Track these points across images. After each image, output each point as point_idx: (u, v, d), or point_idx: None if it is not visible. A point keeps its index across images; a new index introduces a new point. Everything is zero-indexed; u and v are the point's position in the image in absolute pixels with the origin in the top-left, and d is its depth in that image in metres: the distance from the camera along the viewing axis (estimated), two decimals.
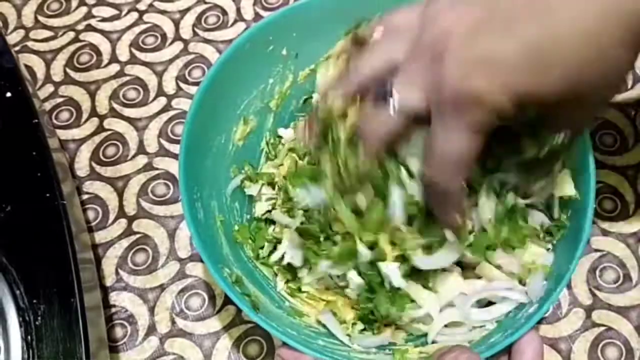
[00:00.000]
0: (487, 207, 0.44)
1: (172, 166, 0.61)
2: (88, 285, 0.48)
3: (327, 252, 0.45)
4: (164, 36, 0.69)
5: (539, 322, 0.42)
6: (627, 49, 0.33)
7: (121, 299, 0.55)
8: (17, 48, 0.69)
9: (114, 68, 0.67)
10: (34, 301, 0.45)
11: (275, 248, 0.52)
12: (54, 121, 0.64)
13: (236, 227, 0.52)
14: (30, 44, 0.69)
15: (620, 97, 0.62)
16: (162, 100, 0.65)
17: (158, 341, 0.53)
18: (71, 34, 0.70)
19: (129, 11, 0.71)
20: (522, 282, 0.46)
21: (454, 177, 0.38)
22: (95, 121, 0.64)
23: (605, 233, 0.55)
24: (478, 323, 0.46)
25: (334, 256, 0.45)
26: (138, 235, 0.58)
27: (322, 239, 0.46)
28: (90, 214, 0.59)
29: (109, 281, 0.56)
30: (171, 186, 0.60)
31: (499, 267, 0.46)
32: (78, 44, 0.69)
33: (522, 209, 0.46)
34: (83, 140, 0.63)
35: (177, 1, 0.71)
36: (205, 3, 0.71)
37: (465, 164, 0.37)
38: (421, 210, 0.43)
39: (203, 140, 0.50)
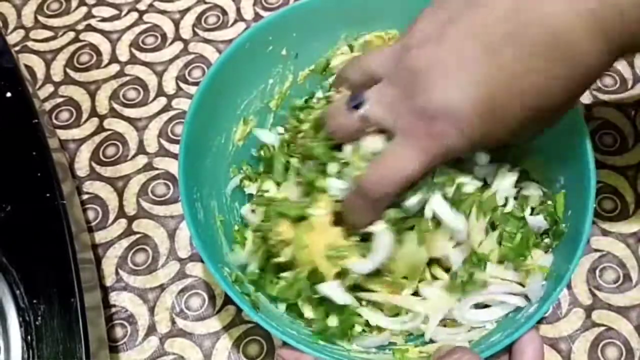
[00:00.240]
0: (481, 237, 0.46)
1: (172, 166, 0.61)
2: (88, 285, 0.48)
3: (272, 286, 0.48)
4: (164, 36, 0.69)
5: (539, 322, 0.42)
6: (568, 82, 0.37)
7: (121, 299, 0.55)
8: (17, 48, 0.69)
9: (114, 68, 0.67)
10: (34, 301, 0.45)
11: None
12: (54, 121, 0.64)
13: (236, 227, 0.52)
14: (30, 44, 0.69)
15: (620, 97, 0.62)
16: (162, 100, 0.65)
17: (158, 341, 0.53)
18: (71, 34, 0.70)
19: (129, 11, 0.71)
20: (520, 283, 0.46)
21: (389, 190, 0.41)
22: (95, 121, 0.64)
23: (605, 233, 0.55)
24: (477, 324, 0.46)
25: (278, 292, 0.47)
26: (138, 235, 0.58)
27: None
28: (90, 214, 0.59)
29: (109, 281, 0.56)
30: (171, 186, 0.60)
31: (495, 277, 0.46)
32: (78, 44, 0.69)
33: (521, 217, 0.47)
34: (83, 140, 0.63)
35: (177, 1, 0.71)
36: (205, 3, 0.71)
37: (403, 182, 0.40)
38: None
39: (203, 140, 0.50)
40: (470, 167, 0.46)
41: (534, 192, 0.49)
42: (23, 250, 0.47)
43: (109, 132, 0.63)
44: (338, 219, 0.45)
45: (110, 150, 0.62)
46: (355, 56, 0.49)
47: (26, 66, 0.67)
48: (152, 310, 0.54)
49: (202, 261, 0.45)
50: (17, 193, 0.50)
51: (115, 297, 0.55)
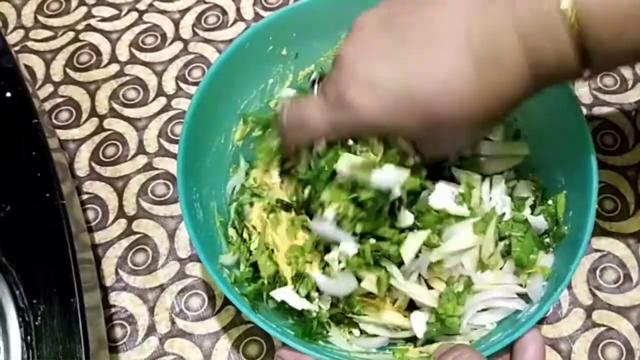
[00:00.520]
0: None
1: (172, 166, 0.61)
2: (88, 285, 0.48)
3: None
4: (163, 36, 0.69)
5: (539, 322, 0.42)
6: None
7: (121, 299, 0.55)
8: (16, 48, 0.69)
9: (114, 68, 0.67)
10: (34, 301, 0.45)
11: None
12: (54, 121, 0.64)
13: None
14: (30, 43, 0.69)
15: (620, 96, 0.62)
16: (162, 100, 0.65)
17: (158, 341, 0.53)
18: (71, 34, 0.70)
19: (128, 11, 0.71)
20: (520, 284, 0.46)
21: (297, 134, 0.45)
22: (95, 121, 0.64)
23: (605, 233, 0.55)
24: (477, 326, 0.46)
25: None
26: (138, 236, 0.58)
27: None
28: (90, 214, 0.59)
29: (108, 281, 0.56)
30: (171, 186, 0.60)
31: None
32: (78, 44, 0.69)
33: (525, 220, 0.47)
34: (83, 140, 0.63)
35: (177, 1, 0.71)
36: (205, 3, 0.71)
37: (309, 134, 0.44)
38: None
39: (202, 140, 0.50)
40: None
41: (526, 190, 0.50)
42: (23, 250, 0.47)
43: (108, 132, 0.63)
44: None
45: (110, 150, 0.62)
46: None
47: (26, 66, 0.67)
48: (151, 310, 0.54)
49: (201, 261, 0.45)
50: (17, 193, 0.50)
51: (115, 297, 0.55)
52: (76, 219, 0.52)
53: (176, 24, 0.70)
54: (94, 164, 0.62)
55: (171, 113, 0.64)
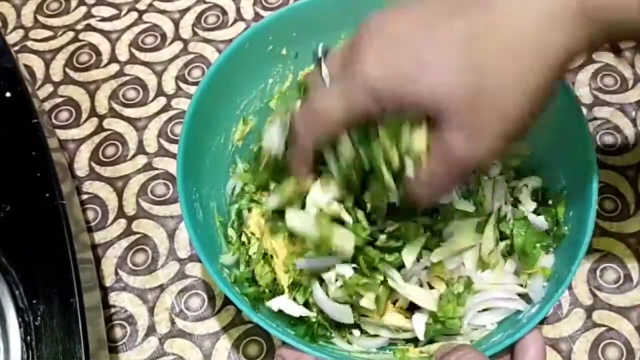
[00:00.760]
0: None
1: (172, 166, 0.61)
2: (88, 285, 0.48)
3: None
4: (163, 36, 0.69)
5: (540, 322, 0.42)
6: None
7: (121, 299, 0.55)
8: (16, 48, 0.69)
9: (114, 68, 0.67)
10: (34, 301, 0.45)
11: None
12: (54, 121, 0.64)
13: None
14: (29, 43, 0.69)
15: (620, 96, 0.62)
16: (162, 100, 0.65)
17: (158, 341, 0.53)
18: (70, 34, 0.70)
19: (128, 11, 0.71)
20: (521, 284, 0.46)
21: (314, 130, 0.41)
22: (94, 121, 0.64)
23: (605, 233, 0.55)
24: (478, 326, 0.46)
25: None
26: (138, 236, 0.58)
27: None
28: (90, 214, 0.59)
29: (108, 281, 0.56)
30: (171, 186, 0.60)
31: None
32: (77, 44, 0.69)
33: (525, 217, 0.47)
34: (82, 140, 0.63)
35: (176, 1, 0.71)
36: (205, 3, 0.71)
37: (328, 125, 0.40)
38: None
39: (202, 140, 0.50)
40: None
41: (526, 190, 0.50)
42: (23, 250, 0.47)
43: (108, 132, 0.63)
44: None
45: (110, 150, 0.62)
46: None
47: (25, 66, 0.67)
48: (151, 310, 0.54)
49: (201, 261, 0.45)
50: (17, 193, 0.50)
51: (114, 298, 0.55)
52: (76, 219, 0.52)
53: (176, 23, 0.70)
54: (93, 164, 0.62)
55: (171, 113, 0.64)
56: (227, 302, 0.54)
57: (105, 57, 0.68)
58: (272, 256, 0.48)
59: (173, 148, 0.62)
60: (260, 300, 0.47)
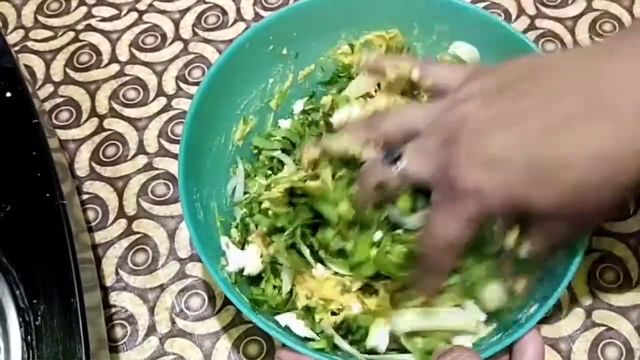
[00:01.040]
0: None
1: (172, 166, 0.61)
2: (88, 285, 0.48)
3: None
4: (163, 36, 0.69)
5: (539, 322, 0.42)
6: (632, 181, 0.34)
7: (121, 299, 0.55)
8: (16, 48, 0.69)
9: (114, 68, 0.67)
10: (34, 301, 0.45)
11: None
12: (54, 121, 0.64)
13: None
14: (30, 43, 0.69)
15: None
16: (162, 100, 0.65)
17: (158, 341, 0.53)
18: (71, 34, 0.70)
19: (128, 11, 0.71)
20: None
21: (444, 257, 0.40)
22: (95, 121, 0.64)
23: (605, 233, 0.55)
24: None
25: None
26: (138, 235, 0.58)
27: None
28: (90, 214, 0.59)
29: (109, 281, 0.56)
30: (171, 186, 0.60)
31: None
32: (78, 44, 0.69)
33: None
34: (83, 140, 0.63)
35: (177, 1, 0.71)
36: (205, 3, 0.71)
37: (455, 248, 0.39)
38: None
39: (203, 140, 0.50)
40: None
41: None
42: (23, 250, 0.47)
43: (108, 132, 0.63)
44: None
45: (110, 150, 0.62)
46: (389, 108, 0.47)
47: (26, 66, 0.67)
48: (152, 310, 0.54)
49: (202, 261, 0.45)
50: (17, 193, 0.50)
51: (115, 297, 0.55)
52: (76, 219, 0.52)
53: (176, 24, 0.70)
54: (94, 164, 0.62)
55: (171, 113, 0.64)
56: (227, 302, 0.54)
57: (105, 57, 0.68)
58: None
59: (173, 148, 0.62)
60: (261, 302, 0.47)
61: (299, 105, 0.56)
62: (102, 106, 0.65)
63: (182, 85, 0.66)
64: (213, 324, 0.53)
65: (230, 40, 0.67)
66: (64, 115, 0.65)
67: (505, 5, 0.68)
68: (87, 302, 0.46)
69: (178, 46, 0.68)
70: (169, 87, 0.66)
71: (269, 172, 0.54)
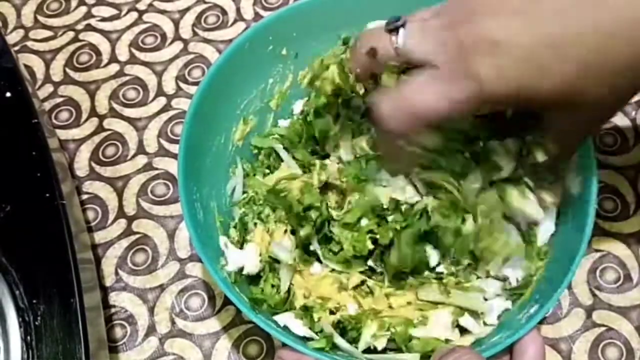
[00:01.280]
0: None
1: (172, 166, 0.61)
2: (88, 285, 0.48)
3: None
4: (163, 36, 0.69)
5: (540, 322, 0.42)
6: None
7: (121, 299, 0.55)
8: (16, 48, 0.69)
9: (114, 68, 0.67)
10: (34, 301, 0.45)
11: None
12: (54, 121, 0.64)
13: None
14: (29, 43, 0.69)
15: None
16: (162, 100, 0.65)
17: (158, 341, 0.53)
18: (71, 34, 0.70)
19: (128, 11, 0.71)
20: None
21: (408, 127, 0.37)
22: (94, 121, 0.64)
23: (605, 233, 0.55)
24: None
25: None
26: (138, 236, 0.58)
27: None
28: (90, 214, 0.59)
29: (108, 281, 0.56)
30: (171, 186, 0.60)
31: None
32: (77, 44, 0.69)
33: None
34: (83, 140, 0.63)
35: (176, 1, 0.71)
36: (205, 3, 0.71)
37: (424, 121, 0.36)
38: None
39: (202, 140, 0.50)
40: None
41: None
42: (23, 250, 0.47)
43: (108, 132, 0.63)
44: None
45: (110, 150, 0.62)
46: None
47: (26, 66, 0.67)
48: (151, 310, 0.54)
49: (202, 261, 0.45)
50: (17, 193, 0.50)
51: (114, 298, 0.55)
52: (76, 219, 0.52)
53: (176, 24, 0.70)
54: (93, 164, 0.62)
55: (171, 113, 0.64)
56: (227, 302, 0.54)
57: (105, 57, 0.68)
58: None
59: (173, 148, 0.62)
60: (260, 301, 0.47)
61: (298, 106, 0.56)
62: (102, 106, 0.65)
63: (181, 85, 0.66)
64: (213, 324, 0.53)
65: (230, 40, 0.67)
66: (64, 115, 0.65)
67: None
68: (86, 302, 0.46)
69: (178, 46, 0.68)
70: (169, 87, 0.66)
71: (267, 171, 0.54)
